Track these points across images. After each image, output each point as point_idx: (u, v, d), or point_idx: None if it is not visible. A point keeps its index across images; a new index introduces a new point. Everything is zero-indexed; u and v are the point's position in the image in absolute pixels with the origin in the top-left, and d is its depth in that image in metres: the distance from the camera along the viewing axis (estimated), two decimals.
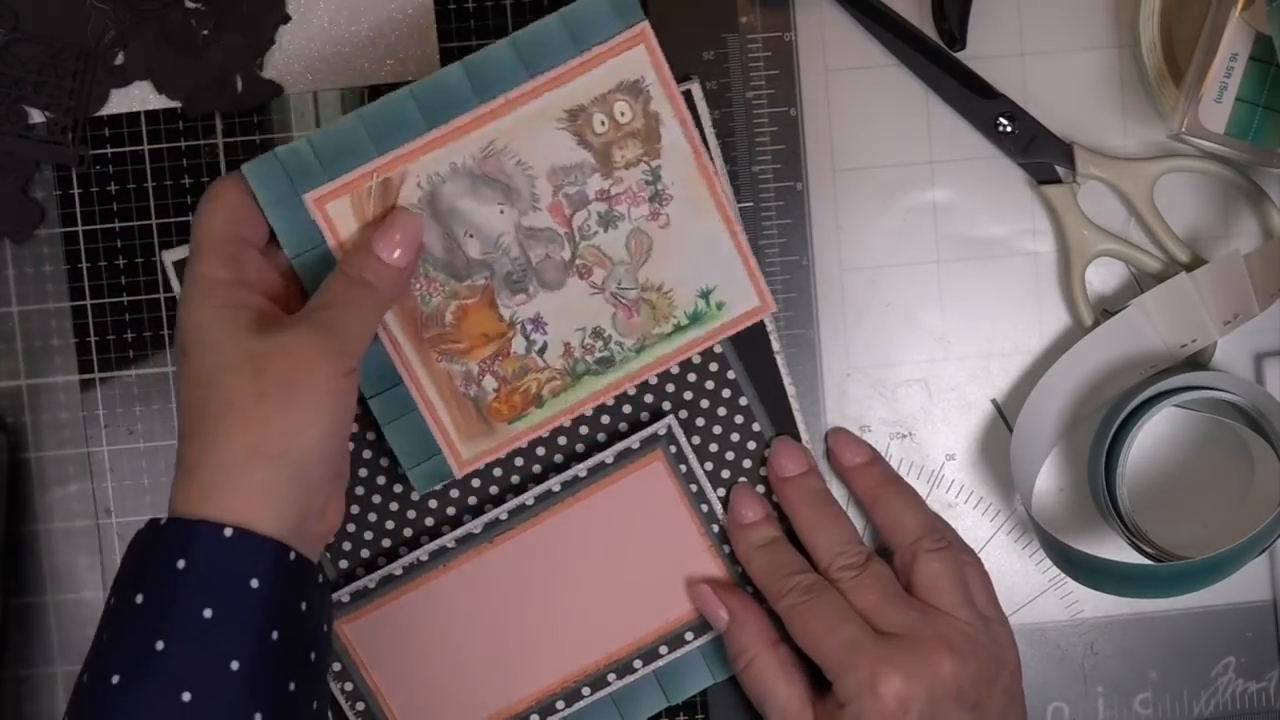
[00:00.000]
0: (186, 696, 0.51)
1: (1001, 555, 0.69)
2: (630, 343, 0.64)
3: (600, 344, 0.63)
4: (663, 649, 0.66)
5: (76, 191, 0.67)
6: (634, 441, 0.65)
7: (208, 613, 0.51)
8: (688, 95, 0.65)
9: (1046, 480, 0.68)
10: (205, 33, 0.66)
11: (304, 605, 0.54)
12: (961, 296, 0.68)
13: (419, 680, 0.66)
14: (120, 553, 0.67)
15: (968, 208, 0.68)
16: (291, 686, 0.53)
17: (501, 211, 0.62)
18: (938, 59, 0.67)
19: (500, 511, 0.65)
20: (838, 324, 0.68)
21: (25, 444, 0.67)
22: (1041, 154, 0.67)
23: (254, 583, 0.52)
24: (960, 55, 0.67)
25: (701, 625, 0.66)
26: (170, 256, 0.65)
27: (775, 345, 0.66)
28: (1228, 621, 0.69)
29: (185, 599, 0.52)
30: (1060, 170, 0.67)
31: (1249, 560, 0.64)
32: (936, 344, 0.68)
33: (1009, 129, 0.67)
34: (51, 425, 0.67)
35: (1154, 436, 0.68)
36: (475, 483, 0.66)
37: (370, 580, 0.65)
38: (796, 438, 0.67)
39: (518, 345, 0.63)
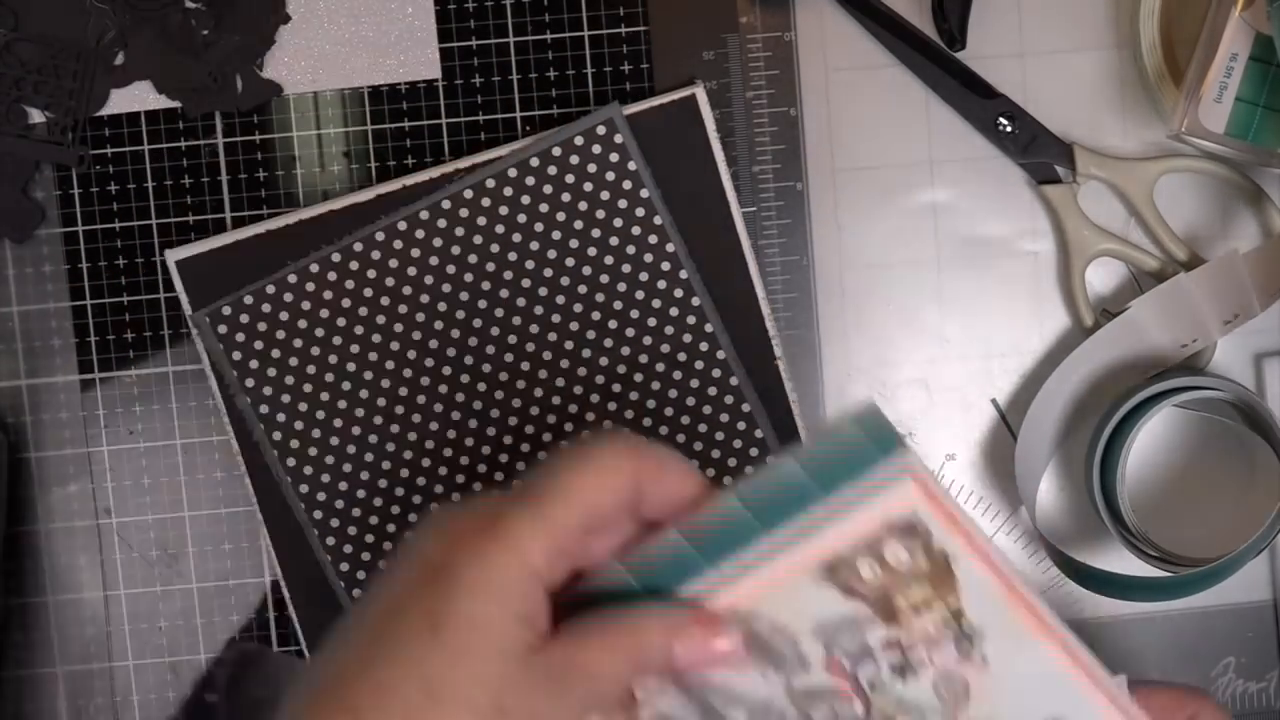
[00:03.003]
0: None
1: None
2: None
3: None
4: None
5: (76, 191, 0.67)
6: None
7: None
8: (692, 100, 0.65)
9: (1046, 480, 0.68)
10: (205, 33, 0.66)
11: None
12: (961, 296, 0.68)
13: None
14: (120, 552, 0.67)
15: (968, 208, 0.68)
16: None
17: (763, 677, 0.49)
18: (938, 59, 0.67)
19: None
20: (838, 324, 0.68)
21: (25, 444, 0.67)
22: (1041, 154, 0.67)
23: None
24: (960, 55, 0.67)
25: None
26: (173, 256, 0.65)
27: (778, 351, 0.66)
28: (1228, 621, 0.69)
29: None
30: (1060, 170, 0.67)
31: (1249, 560, 0.64)
32: (936, 344, 0.68)
33: (1009, 129, 0.67)
34: (51, 425, 0.67)
35: (1154, 437, 0.68)
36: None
37: None
38: (797, 438, 0.66)
39: None
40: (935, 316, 0.68)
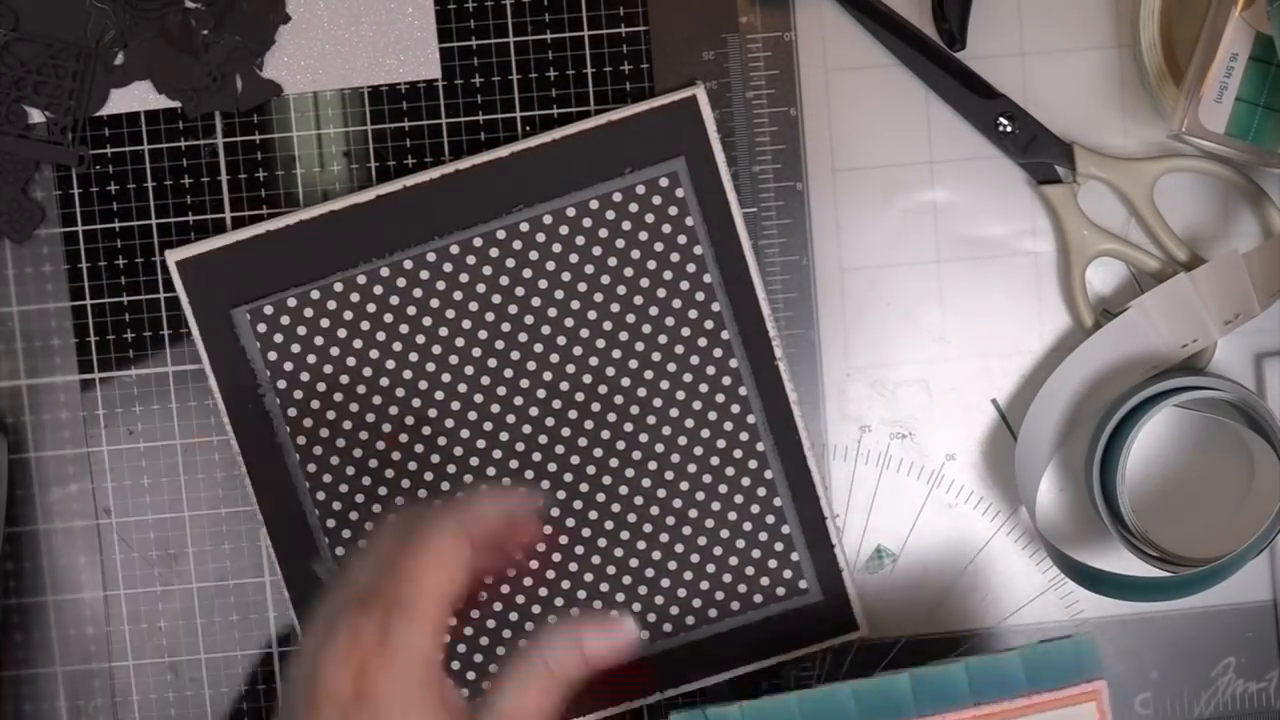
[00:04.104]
0: None
1: (1001, 555, 0.69)
2: None
3: None
4: None
5: (76, 191, 0.67)
6: None
7: None
8: (692, 100, 0.65)
9: (1046, 480, 0.68)
10: (205, 33, 0.66)
11: None
12: (961, 296, 0.68)
13: None
14: (120, 552, 0.67)
15: (968, 208, 0.68)
16: None
17: None
18: (938, 59, 0.67)
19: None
20: (838, 324, 0.68)
21: (25, 444, 0.67)
22: (1041, 154, 0.67)
23: None
24: (960, 55, 0.67)
25: None
26: (173, 256, 0.65)
27: (778, 352, 0.66)
28: (1228, 621, 0.69)
29: None
30: (1060, 170, 0.67)
31: (1249, 560, 0.64)
32: (936, 344, 0.68)
33: (1009, 129, 0.67)
34: (51, 425, 0.67)
35: (1154, 437, 0.68)
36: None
37: None
38: (798, 442, 0.66)
39: None
40: (935, 316, 0.68)
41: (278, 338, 0.65)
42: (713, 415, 0.66)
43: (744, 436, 0.66)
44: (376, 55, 0.67)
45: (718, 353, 0.66)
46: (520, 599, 0.66)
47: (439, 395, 0.65)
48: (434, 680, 0.49)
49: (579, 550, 0.66)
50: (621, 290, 0.65)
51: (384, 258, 0.65)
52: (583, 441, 0.66)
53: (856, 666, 0.69)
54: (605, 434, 0.66)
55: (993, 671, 0.59)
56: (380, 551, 0.52)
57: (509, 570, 0.64)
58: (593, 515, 0.66)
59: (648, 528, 0.66)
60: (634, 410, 0.66)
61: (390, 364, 0.65)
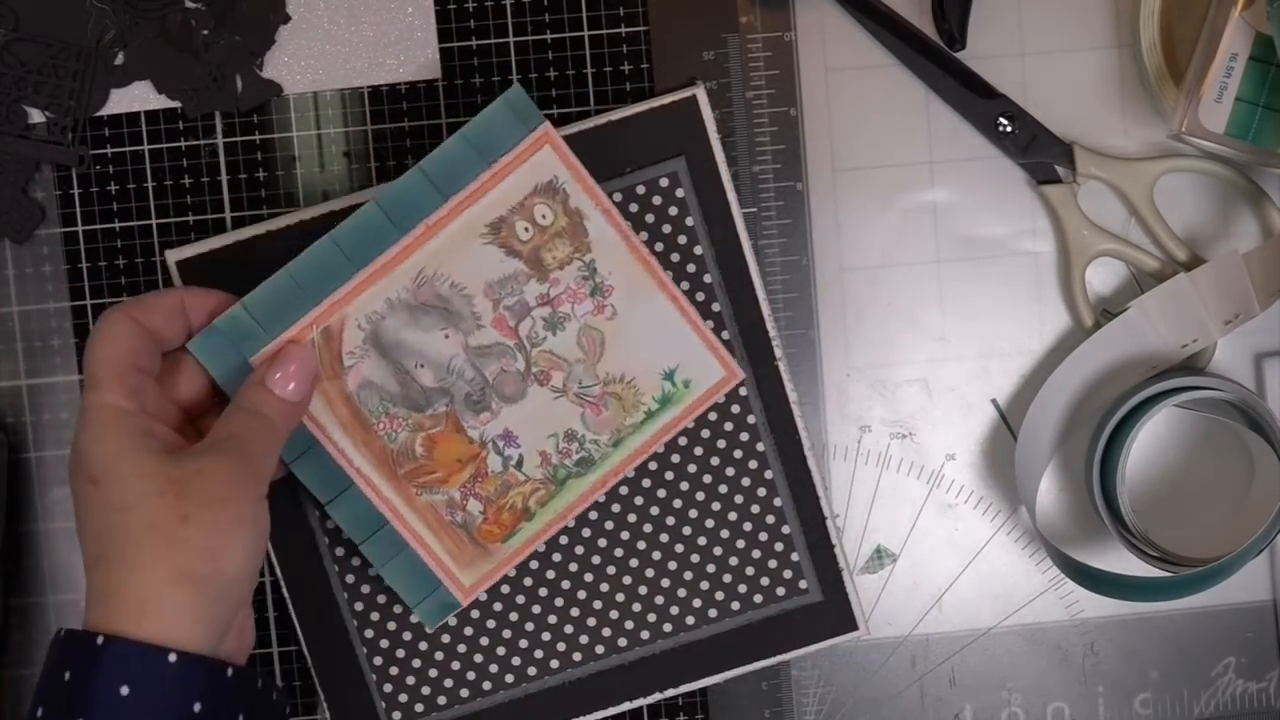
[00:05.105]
0: None
1: (1001, 555, 0.69)
2: (605, 438, 0.64)
3: (576, 445, 0.64)
4: None
5: (76, 191, 0.67)
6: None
7: None
8: (692, 100, 0.65)
9: (1046, 481, 0.68)
10: (205, 33, 0.66)
11: (242, 717, 0.55)
12: (961, 296, 0.68)
13: None
14: None
15: (968, 208, 0.68)
16: None
17: (446, 336, 0.62)
18: (938, 59, 0.67)
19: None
20: (838, 324, 0.68)
21: (25, 444, 0.67)
22: (1041, 154, 0.67)
23: (196, 707, 0.52)
24: (960, 55, 0.67)
25: None
26: (173, 256, 0.65)
27: (778, 352, 0.66)
28: (1228, 621, 0.69)
29: None
30: (1060, 170, 0.67)
31: (1249, 560, 0.64)
32: (936, 344, 0.68)
33: (1009, 129, 0.67)
34: (51, 425, 0.67)
35: (1154, 437, 0.68)
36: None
37: None
38: (798, 442, 0.66)
39: (494, 463, 0.63)
40: (935, 316, 0.68)
41: None
42: (713, 415, 0.66)
43: (744, 436, 0.66)
44: (376, 55, 0.67)
45: None
46: (520, 599, 0.66)
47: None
48: (128, 425, 0.55)
49: (579, 550, 0.66)
50: None
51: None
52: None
53: (857, 667, 0.69)
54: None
55: (446, 164, 0.60)
56: None
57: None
58: (593, 515, 0.66)
59: (648, 527, 0.66)
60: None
61: None
